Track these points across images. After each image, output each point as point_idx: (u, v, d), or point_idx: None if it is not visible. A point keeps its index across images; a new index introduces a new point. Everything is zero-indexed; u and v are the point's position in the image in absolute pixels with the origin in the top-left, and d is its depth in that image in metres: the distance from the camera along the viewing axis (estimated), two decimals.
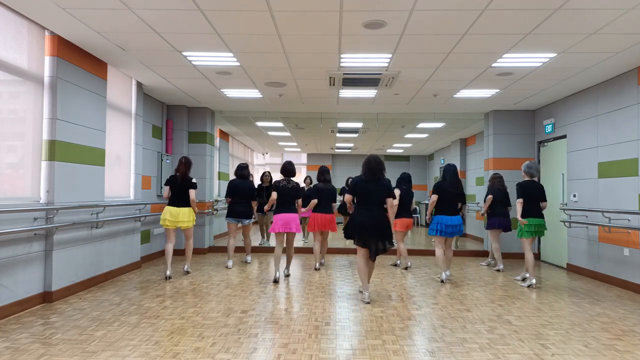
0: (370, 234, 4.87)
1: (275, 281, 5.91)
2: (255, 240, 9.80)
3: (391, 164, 17.32)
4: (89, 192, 5.52)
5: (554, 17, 4.29)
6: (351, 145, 14.40)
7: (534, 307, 4.85)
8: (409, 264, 7.17)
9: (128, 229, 6.57)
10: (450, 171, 6.14)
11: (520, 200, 5.88)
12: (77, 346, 3.47)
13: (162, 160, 8.14)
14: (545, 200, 5.98)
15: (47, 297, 4.80)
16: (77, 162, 5.28)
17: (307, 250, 8.86)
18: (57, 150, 4.89)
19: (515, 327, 4.09)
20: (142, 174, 7.36)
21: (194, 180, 6.19)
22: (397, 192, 7.01)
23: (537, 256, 8.40)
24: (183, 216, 6.05)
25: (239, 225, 7.20)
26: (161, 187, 8.08)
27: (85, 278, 5.44)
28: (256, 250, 8.88)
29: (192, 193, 6.13)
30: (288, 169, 6.20)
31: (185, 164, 6.17)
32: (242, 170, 7.34)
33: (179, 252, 8.37)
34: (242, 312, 4.50)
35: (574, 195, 7.14)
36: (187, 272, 6.51)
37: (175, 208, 6.04)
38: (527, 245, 5.93)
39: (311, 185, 9.83)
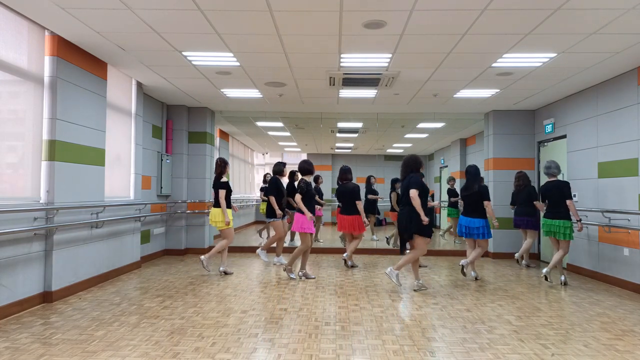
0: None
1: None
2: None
3: (391, 164, 17.33)
4: (89, 192, 5.52)
5: (554, 17, 4.29)
6: (351, 145, 14.39)
7: (534, 307, 4.85)
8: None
9: (128, 229, 6.57)
10: (468, 173, 6.21)
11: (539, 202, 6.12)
12: (77, 346, 3.47)
13: (162, 160, 8.14)
14: (570, 198, 5.73)
15: (47, 297, 4.80)
16: (77, 162, 5.28)
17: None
18: (57, 150, 4.89)
19: (515, 327, 4.09)
20: (142, 174, 7.36)
21: (222, 180, 6.27)
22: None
23: (536, 256, 8.40)
24: (215, 217, 6.26)
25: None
26: (161, 188, 8.10)
27: (85, 278, 5.44)
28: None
29: (221, 193, 6.25)
30: (310, 170, 6.28)
31: (219, 165, 6.32)
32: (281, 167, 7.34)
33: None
34: (242, 312, 4.50)
35: (574, 195, 7.13)
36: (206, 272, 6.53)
37: (213, 209, 6.30)
38: (553, 244, 6.09)
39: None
